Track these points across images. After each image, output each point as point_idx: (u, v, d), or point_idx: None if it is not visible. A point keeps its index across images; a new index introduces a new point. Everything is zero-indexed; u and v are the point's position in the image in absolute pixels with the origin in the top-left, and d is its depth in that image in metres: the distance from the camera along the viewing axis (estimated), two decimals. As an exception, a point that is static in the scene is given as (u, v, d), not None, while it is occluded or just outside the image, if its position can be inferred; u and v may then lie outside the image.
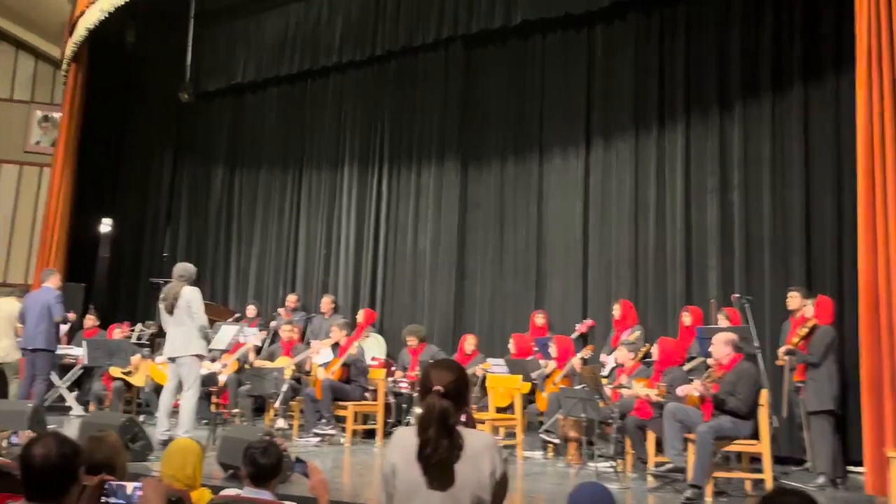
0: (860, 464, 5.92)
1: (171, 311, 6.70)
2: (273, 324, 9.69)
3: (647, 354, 6.89)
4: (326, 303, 9.71)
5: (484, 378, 7.62)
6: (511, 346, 7.97)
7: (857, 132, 5.87)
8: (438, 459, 2.19)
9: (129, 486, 2.65)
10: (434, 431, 2.19)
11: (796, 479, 6.16)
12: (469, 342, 8.30)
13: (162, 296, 6.84)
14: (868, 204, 5.73)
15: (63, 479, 2.26)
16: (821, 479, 5.89)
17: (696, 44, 8.17)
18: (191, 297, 6.67)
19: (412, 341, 8.45)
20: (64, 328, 9.05)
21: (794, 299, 6.42)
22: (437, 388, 2.26)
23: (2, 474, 3.09)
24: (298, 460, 2.94)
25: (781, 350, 6.29)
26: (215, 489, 3.52)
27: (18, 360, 8.66)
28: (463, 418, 2.34)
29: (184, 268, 6.90)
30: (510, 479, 2.38)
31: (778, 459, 6.53)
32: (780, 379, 6.80)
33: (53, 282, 8.31)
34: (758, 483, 5.63)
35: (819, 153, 7.30)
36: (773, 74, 7.62)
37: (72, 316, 8.62)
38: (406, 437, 2.30)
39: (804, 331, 6.15)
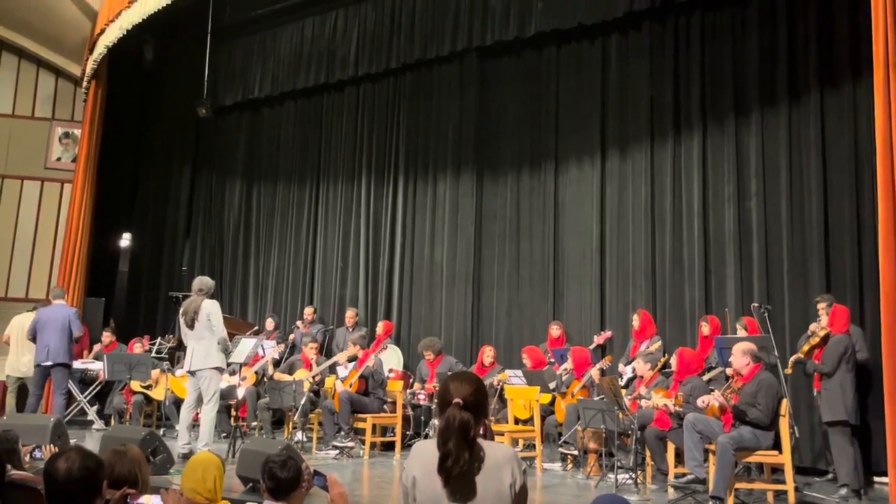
0: (887, 474, 5.83)
1: (191, 326, 6.74)
2: (292, 336, 9.74)
3: (666, 365, 6.85)
4: (350, 315, 9.74)
5: (502, 389, 7.61)
6: (525, 359, 7.94)
7: (877, 138, 5.81)
8: (459, 472, 2.19)
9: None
10: (455, 443, 2.19)
11: (819, 491, 6.09)
12: (487, 354, 8.30)
13: (182, 310, 6.89)
14: (889, 210, 5.66)
15: (86, 493, 2.29)
16: (843, 491, 5.81)
17: (711, 52, 8.15)
18: (211, 311, 6.72)
19: (429, 355, 8.45)
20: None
21: (825, 310, 6.34)
22: (457, 400, 2.26)
23: (25, 488, 3.12)
24: (317, 473, 2.95)
25: (791, 360, 6.24)
26: (235, 503, 3.53)
27: None
28: (481, 430, 2.34)
29: (202, 281, 6.95)
30: (529, 490, 2.38)
31: (800, 470, 6.48)
32: (800, 389, 6.75)
33: (66, 299, 8.48)
34: (780, 494, 5.57)
35: (836, 160, 7.25)
36: (790, 81, 7.58)
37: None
38: (426, 450, 2.30)
39: (816, 339, 6.10)
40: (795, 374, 6.70)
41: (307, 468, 3.07)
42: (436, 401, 2.44)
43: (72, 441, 6.01)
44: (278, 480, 3.05)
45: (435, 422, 7.61)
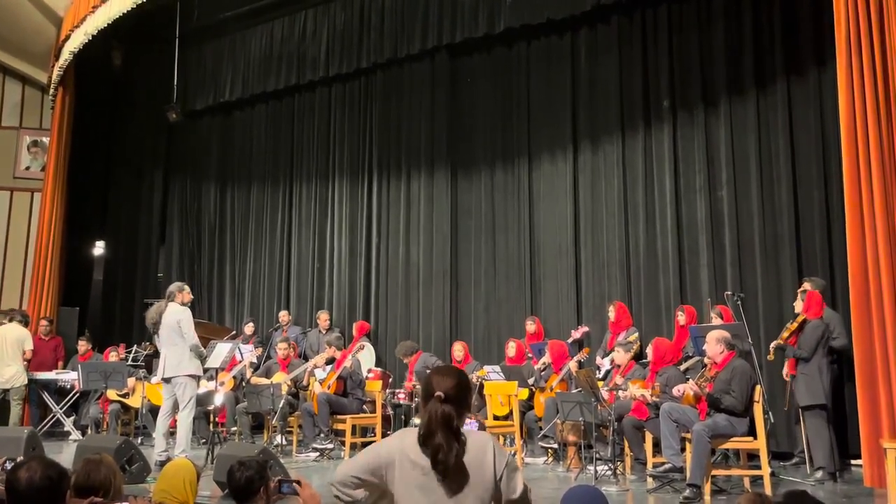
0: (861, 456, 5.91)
1: (155, 332, 6.71)
2: (276, 335, 9.69)
3: (642, 354, 6.88)
4: (323, 317, 9.71)
5: (481, 385, 7.61)
6: (513, 349, 7.96)
7: (841, 124, 5.91)
8: (452, 462, 2.22)
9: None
10: (442, 436, 2.23)
11: (794, 474, 6.16)
12: (458, 349, 8.29)
13: (147, 317, 6.85)
14: (854, 194, 5.75)
15: (48, 503, 2.26)
16: (819, 474, 5.87)
17: (679, 44, 8.20)
18: (181, 318, 6.65)
19: (405, 358, 8.46)
20: None
21: (801, 294, 6.38)
22: (439, 393, 2.30)
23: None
24: (284, 482, 2.91)
25: (772, 346, 6.29)
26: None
27: (24, 386, 8.69)
28: (476, 426, 2.36)
29: (171, 286, 6.93)
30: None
31: (775, 455, 6.55)
32: (775, 375, 6.81)
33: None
34: (756, 480, 5.62)
35: (804, 147, 7.34)
36: (756, 71, 7.65)
37: None
38: (410, 437, 2.31)
39: (794, 325, 6.16)
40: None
41: (272, 478, 3.04)
42: (419, 396, 2.46)
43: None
44: (233, 485, 3.03)
45: (416, 420, 7.59)
